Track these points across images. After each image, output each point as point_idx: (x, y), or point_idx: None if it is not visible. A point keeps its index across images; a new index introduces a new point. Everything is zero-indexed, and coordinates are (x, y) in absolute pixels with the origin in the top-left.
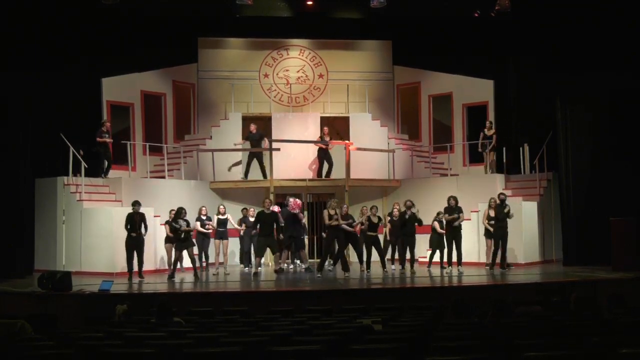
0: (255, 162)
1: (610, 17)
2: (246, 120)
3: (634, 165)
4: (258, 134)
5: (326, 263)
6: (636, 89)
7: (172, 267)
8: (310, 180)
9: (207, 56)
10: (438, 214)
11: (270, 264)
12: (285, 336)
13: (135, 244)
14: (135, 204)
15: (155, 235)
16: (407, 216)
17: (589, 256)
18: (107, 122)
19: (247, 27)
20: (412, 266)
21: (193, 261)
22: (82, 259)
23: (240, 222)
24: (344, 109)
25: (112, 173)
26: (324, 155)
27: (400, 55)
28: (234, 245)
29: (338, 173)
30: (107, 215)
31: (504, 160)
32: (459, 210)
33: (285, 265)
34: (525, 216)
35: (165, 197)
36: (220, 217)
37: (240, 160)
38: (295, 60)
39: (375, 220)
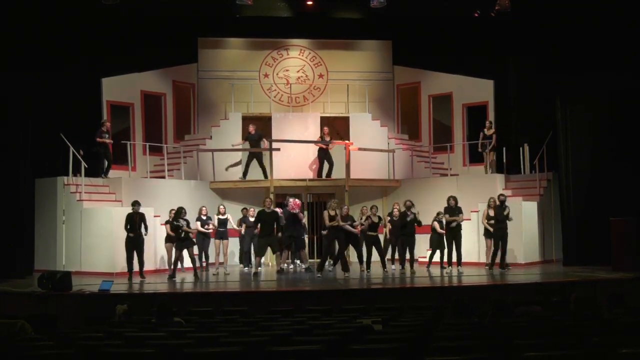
0: (254, 163)
1: (610, 17)
2: (246, 120)
3: (634, 165)
4: (257, 134)
5: (326, 263)
6: (636, 89)
7: (172, 267)
8: (310, 180)
9: (207, 56)
10: (438, 214)
11: (270, 264)
12: (285, 336)
13: (135, 244)
14: (135, 204)
15: (155, 235)
16: (408, 218)
17: (589, 256)
18: (107, 122)
19: (247, 27)
20: (412, 266)
21: (193, 261)
22: (82, 259)
23: (240, 222)
24: (344, 109)
25: (112, 173)
26: (324, 155)
27: (400, 55)
28: (234, 245)
29: (338, 173)
30: (107, 215)
31: (504, 160)
32: (459, 211)
33: (286, 265)
34: (525, 216)
35: (165, 197)
36: (220, 217)
37: (240, 161)
38: (295, 60)
39: (375, 220)
